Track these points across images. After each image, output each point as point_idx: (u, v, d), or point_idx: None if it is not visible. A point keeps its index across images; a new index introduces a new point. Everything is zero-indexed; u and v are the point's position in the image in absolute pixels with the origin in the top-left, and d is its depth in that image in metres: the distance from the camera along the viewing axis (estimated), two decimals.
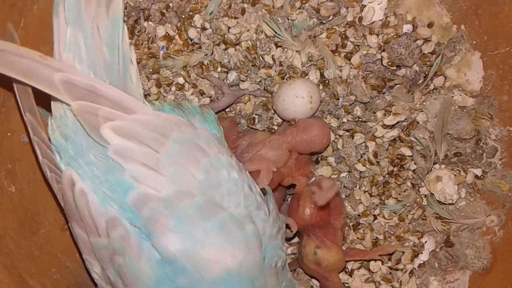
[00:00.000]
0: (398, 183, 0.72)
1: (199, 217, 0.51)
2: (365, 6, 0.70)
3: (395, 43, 0.69)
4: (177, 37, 0.70)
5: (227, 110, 0.72)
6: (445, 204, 0.71)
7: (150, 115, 0.54)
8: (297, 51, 0.69)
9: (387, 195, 0.72)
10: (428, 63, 0.71)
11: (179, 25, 0.70)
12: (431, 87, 0.72)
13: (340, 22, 0.70)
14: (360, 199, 0.71)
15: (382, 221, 0.72)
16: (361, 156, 0.71)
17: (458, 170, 0.72)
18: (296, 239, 0.73)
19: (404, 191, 0.72)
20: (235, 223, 0.52)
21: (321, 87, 0.70)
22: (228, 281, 0.51)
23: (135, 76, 0.56)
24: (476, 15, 0.70)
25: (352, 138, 0.71)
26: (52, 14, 0.54)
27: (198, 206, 0.51)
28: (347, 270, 0.73)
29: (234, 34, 0.69)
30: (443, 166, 0.72)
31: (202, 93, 0.70)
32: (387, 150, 0.72)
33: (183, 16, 0.70)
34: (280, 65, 0.70)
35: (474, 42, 0.71)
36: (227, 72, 0.70)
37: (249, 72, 0.69)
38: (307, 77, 0.70)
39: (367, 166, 0.71)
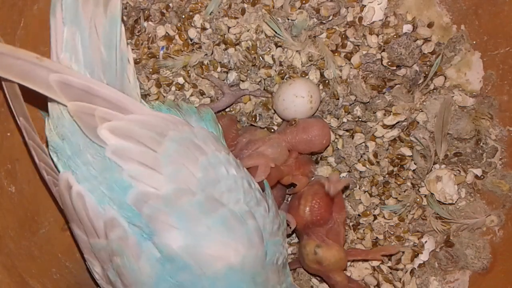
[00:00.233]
0: (398, 183, 0.72)
1: (200, 213, 0.51)
2: (365, 6, 0.70)
3: (395, 43, 0.69)
4: (177, 37, 0.70)
5: (227, 110, 0.72)
6: (445, 204, 0.71)
7: (147, 115, 0.54)
8: (297, 51, 0.69)
9: (387, 195, 0.72)
10: (428, 63, 0.71)
11: (179, 25, 0.70)
12: (431, 87, 0.72)
13: (340, 22, 0.70)
14: (360, 199, 0.71)
15: (382, 221, 0.72)
16: (361, 156, 0.71)
17: (458, 170, 0.72)
18: (296, 239, 0.73)
19: (404, 191, 0.72)
20: (236, 218, 0.52)
21: (321, 87, 0.70)
22: (230, 276, 0.51)
23: (132, 76, 0.56)
24: (476, 15, 0.70)
25: (352, 138, 0.71)
26: None
27: (198, 203, 0.51)
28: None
29: (234, 34, 0.69)
30: (443, 166, 0.72)
31: (202, 93, 0.70)
32: (387, 150, 0.72)
33: (183, 16, 0.70)
34: (280, 65, 0.70)
35: (474, 42, 0.71)
36: (227, 72, 0.70)
37: (249, 72, 0.69)
38: (307, 77, 0.70)
39: (367, 166, 0.71)
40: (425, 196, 0.72)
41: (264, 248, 0.54)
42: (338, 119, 0.71)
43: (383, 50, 0.70)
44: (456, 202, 0.71)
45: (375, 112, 0.71)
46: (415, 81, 0.71)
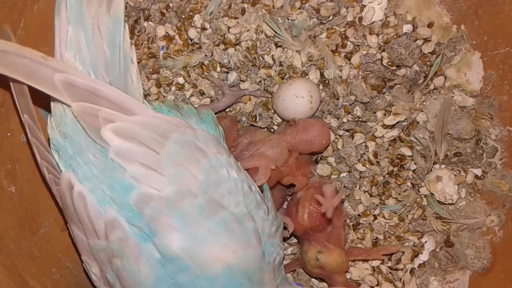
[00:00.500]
0: (398, 183, 0.72)
1: (201, 216, 0.51)
2: (365, 6, 0.70)
3: (395, 43, 0.69)
4: (177, 37, 0.70)
5: (227, 110, 0.72)
6: (445, 204, 0.71)
7: (150, 116, 0.54)
8: (297, 51, 0.69)
9: (387, 195, 0.72)
10: (428, 63, 0.71)
11: (179, 25, 0.70)
12: (431, 87, 0.72)
13: (340, 22, 0.70)
14: (360, 199, 0.71)
15: (382, 221, 0.72)
16: (361, 156, 0.71)
17: (458, 170, 0.72)
18: (295, 240, 0.73)
19: (404, 191, 0.72)
20: (236, 221, 0.53)
21: (321, 87, 0.70)
22: (226, 276, 0.52)
23: (135, 76, 0.56)
24: (476, 15, 0.70)
25: (352, 138, 0.71)
26: (52, 14, 0.54)
27: (199, 205, 0.51)
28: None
29: (234, 34, 0.69)
30: (443, 166, 0.72)
31: (202, 93, 0.70)
32: (387, 150, 0.72)
33: (183, 16, 0.70)
34: (280, 65, 0.70)
35: (474, 42, 0.71)
36: (227, 72, 0.70)
37: (249, 72, 0.69)
38: (307, 77, 0.70)
39: (367, 166, 0.71)
40: (425, 196, 0.72)
41: (262, 249, 0.54)
42: (338, 119, 0.71)
43: (383, 50, 0.70)
44: (456, 202, 0.71)
45: (375, 112, 0.71)
46: (415, 81, 0.71)
